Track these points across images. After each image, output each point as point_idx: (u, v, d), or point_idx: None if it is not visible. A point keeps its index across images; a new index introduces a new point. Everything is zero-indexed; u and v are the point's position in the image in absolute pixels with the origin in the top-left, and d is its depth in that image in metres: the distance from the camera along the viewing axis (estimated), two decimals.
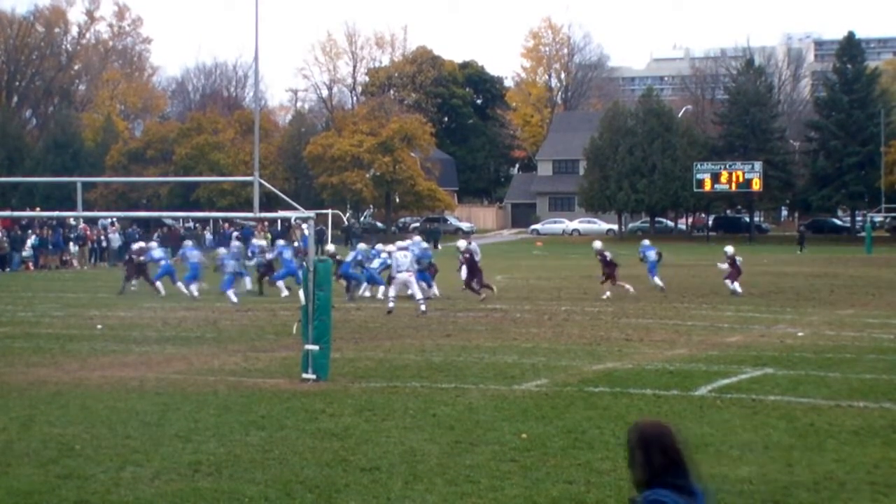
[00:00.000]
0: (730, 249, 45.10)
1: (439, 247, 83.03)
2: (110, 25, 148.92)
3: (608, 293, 41.71)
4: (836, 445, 15.81)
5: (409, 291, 38.26)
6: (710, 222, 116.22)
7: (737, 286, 43.30)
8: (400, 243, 42.20)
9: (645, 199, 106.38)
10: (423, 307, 36.44)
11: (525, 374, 22.51)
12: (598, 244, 44.53)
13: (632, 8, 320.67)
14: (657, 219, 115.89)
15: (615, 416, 17.78)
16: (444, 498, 13.14)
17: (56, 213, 58.40)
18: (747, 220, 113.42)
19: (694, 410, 18.37)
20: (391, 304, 36.72)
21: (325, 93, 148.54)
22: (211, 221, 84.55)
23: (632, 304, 38.97)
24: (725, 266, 44.47)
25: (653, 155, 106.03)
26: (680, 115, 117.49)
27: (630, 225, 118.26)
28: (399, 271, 37.88)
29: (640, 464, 6.68)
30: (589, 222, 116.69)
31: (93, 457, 15.30)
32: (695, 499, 6.61)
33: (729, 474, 14.08)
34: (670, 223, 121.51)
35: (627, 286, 41.90)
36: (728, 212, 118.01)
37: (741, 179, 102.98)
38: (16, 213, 67.61)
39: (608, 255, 42.86)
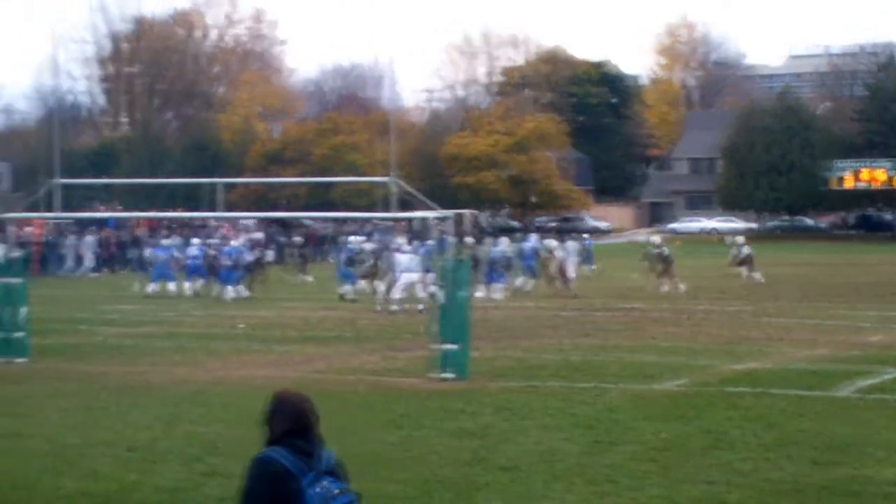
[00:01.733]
0: (739, 240, 49.37)
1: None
2: (248, 28, 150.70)
3: (666, 287, 43.53)
4: None
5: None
6: (852, 221, 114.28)
7: (756, 275, 46.82)
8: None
9: (783, 197, 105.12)
10: (392, 307, 36.81)
11: (664, 373, 22.39)
12: (656, 239, 47.94)
13: (768, 5, 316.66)
14: (796, 217, 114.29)
15: (756, 417, 17.60)
16: (583, 497, 13.12)
17: (197, 214, 59.20)
18: (890, 218, 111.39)
19: (836, 411, 18.13)
20: (395, 307, 36.89)
21: (459, 93, 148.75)
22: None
23: (771, 302, 38.57)
24: (739, 255, 48.01)
25: (791, 153, 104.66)
26: (818, 112, 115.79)
27: (768, 223, 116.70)
28: (402, 271, 37.34)
29: (269, 426, 7.60)
30: (727, 221, 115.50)
31: (235, 454, 15.51)
32: (313, 460, 7.26)
33: (873, 476, 13.87)
34: (810, 221, 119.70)
35: (681, 285, 43.68)
36: (870, 210, 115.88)
37: (883, 177, 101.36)
38: (159, 214, 68.79)
39: (665, 251, 45.11)
